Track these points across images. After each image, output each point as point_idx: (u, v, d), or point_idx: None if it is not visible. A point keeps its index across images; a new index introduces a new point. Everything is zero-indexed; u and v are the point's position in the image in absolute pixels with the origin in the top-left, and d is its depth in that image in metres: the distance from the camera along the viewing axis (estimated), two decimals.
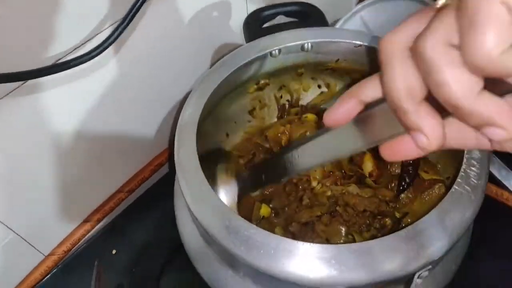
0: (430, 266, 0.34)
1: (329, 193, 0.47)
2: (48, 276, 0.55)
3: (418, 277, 0.34)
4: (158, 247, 0.57)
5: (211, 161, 0.48)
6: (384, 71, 0.25)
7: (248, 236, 0.34)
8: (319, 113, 0.54)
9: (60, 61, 0.42)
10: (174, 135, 0.43)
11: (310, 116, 0.53)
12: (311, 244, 0.34)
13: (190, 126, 0.41)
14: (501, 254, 0.53)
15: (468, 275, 0.46)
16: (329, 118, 0.29)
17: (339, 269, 0.33)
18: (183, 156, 0.40)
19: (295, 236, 0.45)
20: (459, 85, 0.21)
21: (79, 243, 0.57)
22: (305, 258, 0.33)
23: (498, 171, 0.61)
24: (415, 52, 0.23)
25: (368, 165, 0.48)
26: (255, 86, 0.52)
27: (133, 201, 0.61)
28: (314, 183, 0.49)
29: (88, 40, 0.44)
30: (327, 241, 0.44)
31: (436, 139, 0.24)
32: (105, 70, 0.48)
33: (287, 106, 0.57)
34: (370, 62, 0.47)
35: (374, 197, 0.46)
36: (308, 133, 0.51)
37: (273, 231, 0.41)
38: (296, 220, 0.46)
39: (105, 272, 0.50)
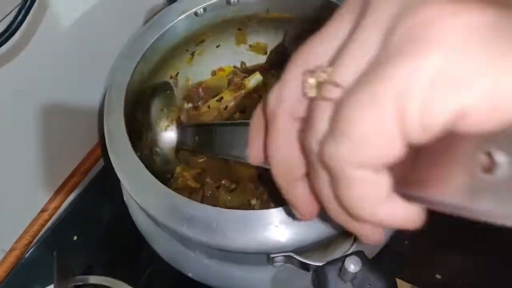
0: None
1: None
2: (12, 273, 0.54)
3: None
4: (123, 226, 0.56)
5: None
6: (268, 132, 0.22)
7: (189, 213, 0.33)
8: None
9: None
10: None
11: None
12: (251, 211, 0.33)
13: (117, 105, 0.39)
14: None
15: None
16: (253, 160, 0.25)
17: (285, 232, 0.33)
18: (113, 133, 0.39)
19: None
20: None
21: (40, 234, 0.56)
22: (248, 227, 0.33)
23: None
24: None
25: None
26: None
27: (89, 182, 0.60)
28: None
29: None
30: None
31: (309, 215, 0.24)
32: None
33: None
34: (301, 9, 0.45)
35: None
36: None
37: None
38: None
39: (68, 260, 0.50)
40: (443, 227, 0.48)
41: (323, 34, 0.20)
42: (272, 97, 0.21)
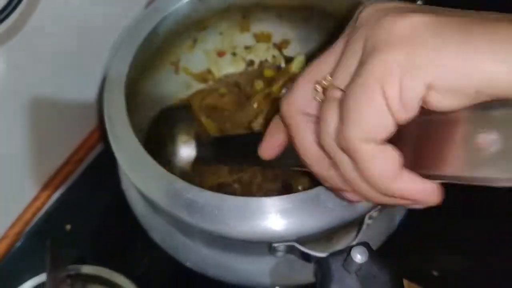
0: (379, 206, 0.33)
1: None
2: (3, 261, 0.52)
3: (368, 218, 0.33)
4: (118, 215, 0.55)
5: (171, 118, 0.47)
6: (291, 135, 0.28)
7: (191, 199, 0.32)
8: None
9: None
10: None
11: None
12: (254, 198, 0.32)
13: (117, 90, 0.38)
14: None
15: None
16: (264, 153, 0.32)
17: (288, 221, 0.32)
18: (113, 118, 0.38)
19: None
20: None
21: (32, 222, 0.55)
22: (250, 214, 0.32)
23: None
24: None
25: None
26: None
27: (83, 171, 0.59)
28: None
29: None
30: None
31: (356, 198, 0.28)
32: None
33: None
34: None
35: None
36: None
37: None
38: None
39: (61, 249, 0.48)
40: (440, 223, 0.48)
41: (325, 55, 0.26)
42: (285, 101, 0.28)
